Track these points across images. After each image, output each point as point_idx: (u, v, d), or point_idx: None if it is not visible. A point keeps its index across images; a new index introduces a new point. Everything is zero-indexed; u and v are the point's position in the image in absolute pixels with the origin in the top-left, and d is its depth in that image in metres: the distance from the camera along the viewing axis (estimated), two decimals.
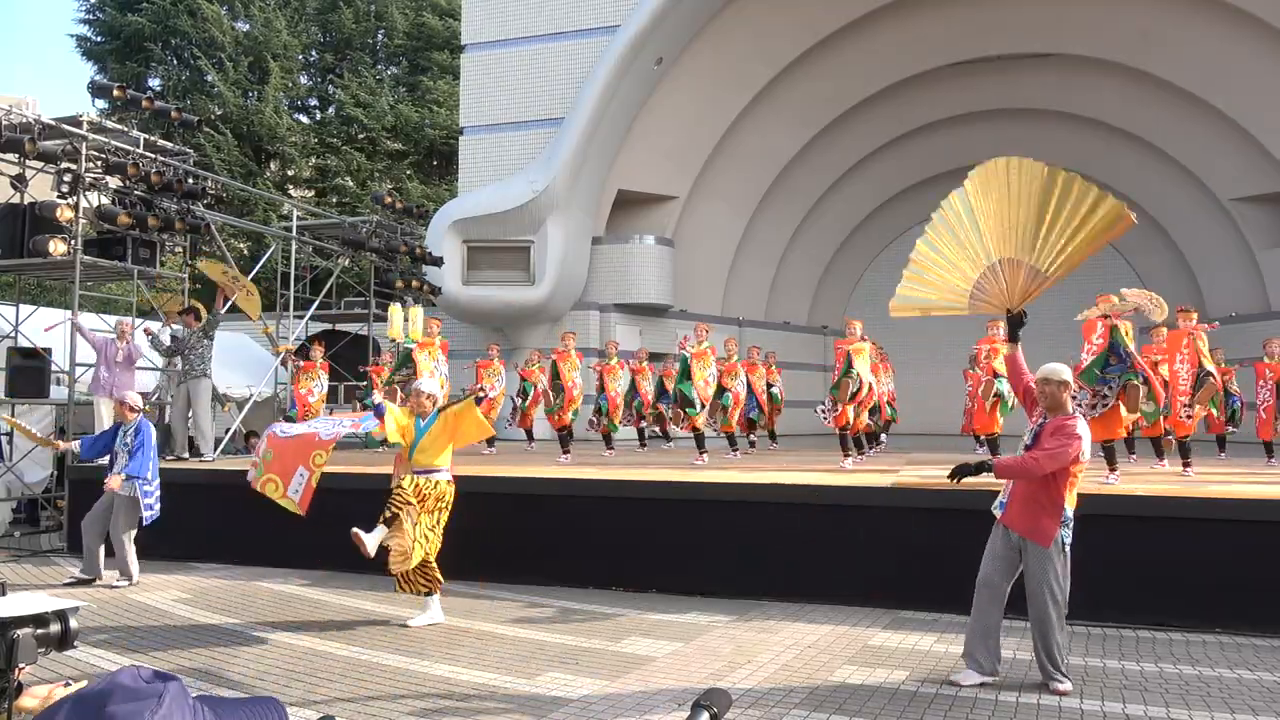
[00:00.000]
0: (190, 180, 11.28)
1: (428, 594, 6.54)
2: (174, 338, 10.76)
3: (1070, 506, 4.96)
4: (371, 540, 6.09)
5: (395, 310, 11.93)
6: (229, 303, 11.47)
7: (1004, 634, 5.25)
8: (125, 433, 8.01)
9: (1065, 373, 5.13)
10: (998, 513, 5.12)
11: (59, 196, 9.93)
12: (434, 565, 6.49)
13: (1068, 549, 4.96)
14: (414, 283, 15.09)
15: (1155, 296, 8.70)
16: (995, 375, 9.57)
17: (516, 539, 8.18)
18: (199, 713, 1.02)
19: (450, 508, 6.62)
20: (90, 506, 8.13)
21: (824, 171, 21.07)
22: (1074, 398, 6.17)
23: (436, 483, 6.50)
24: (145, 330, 11.05)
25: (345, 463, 10.37)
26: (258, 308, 12.10)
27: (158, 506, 8.02)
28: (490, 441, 13.25)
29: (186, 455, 10.34)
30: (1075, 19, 17.43)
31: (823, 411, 9.76)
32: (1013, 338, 5.40)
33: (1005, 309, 5.33)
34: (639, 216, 18.88)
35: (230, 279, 11.56)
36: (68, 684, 1.14)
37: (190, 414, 10.48)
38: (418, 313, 12.16)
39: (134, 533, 7.97)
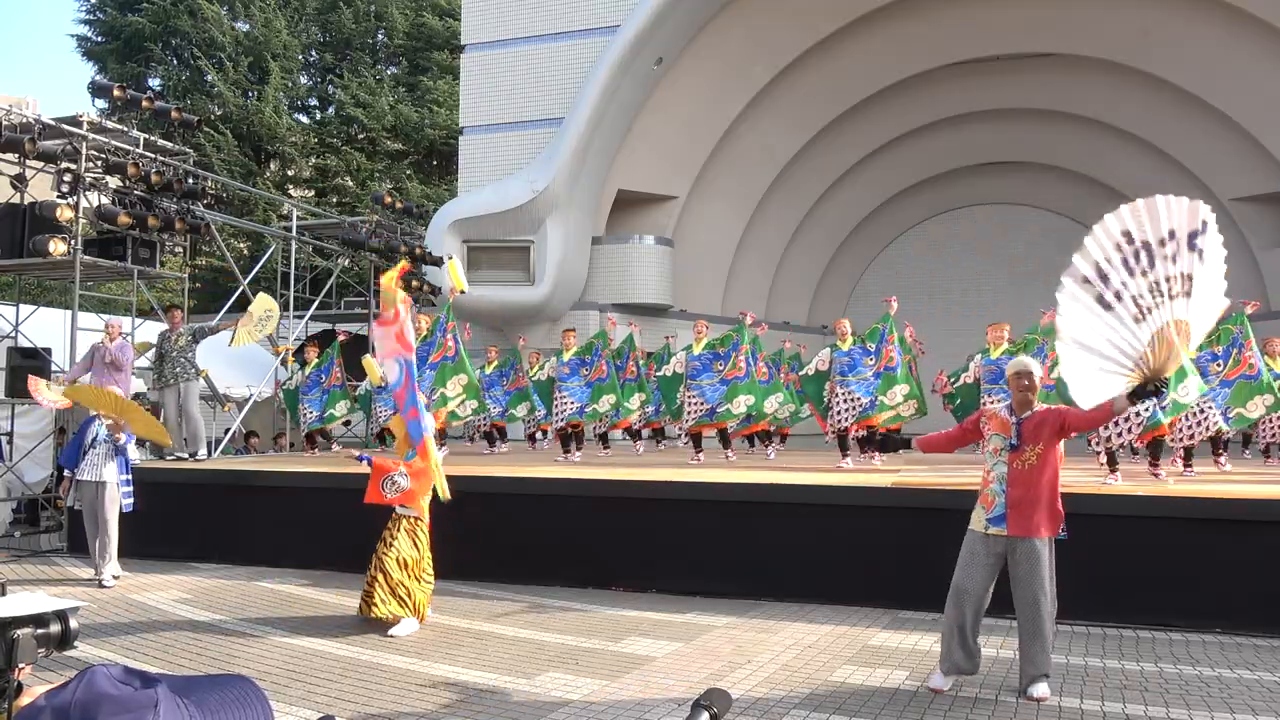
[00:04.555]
0: (190, 180, 11.27)
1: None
2: (161, 339, 10.69)
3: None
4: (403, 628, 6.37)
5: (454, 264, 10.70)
6: (233, 334, 11.22)
7: (1006, 635, 5.25)
8: (101, 427, 8.03)
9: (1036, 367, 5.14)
10: (994, 529, 4.90)
11: (59, 196, 9.92)
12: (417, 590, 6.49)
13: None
14: (414, 283, 15.08)
15: None
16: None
17: (516, 539, 8.18)
18: (184, 711, 0.99)
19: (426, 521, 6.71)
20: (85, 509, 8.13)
21: (824, 172, 21.07)
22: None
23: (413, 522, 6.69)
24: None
25: (343, 463, 10.37)
26: (264, 332, 11.43)
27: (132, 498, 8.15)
28: (492, 441, 13.29)
29: (184, 456, 10.33)
30: (1075, 19, 17.43)
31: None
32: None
33: (1148, 380, 4.46)
34: (639, 216, 18.88)
35: (258, 319, 10.94)
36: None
37: (181, 415, 10.46)
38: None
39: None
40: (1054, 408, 5.07)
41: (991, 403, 8.55)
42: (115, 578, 8.02)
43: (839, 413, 9.62)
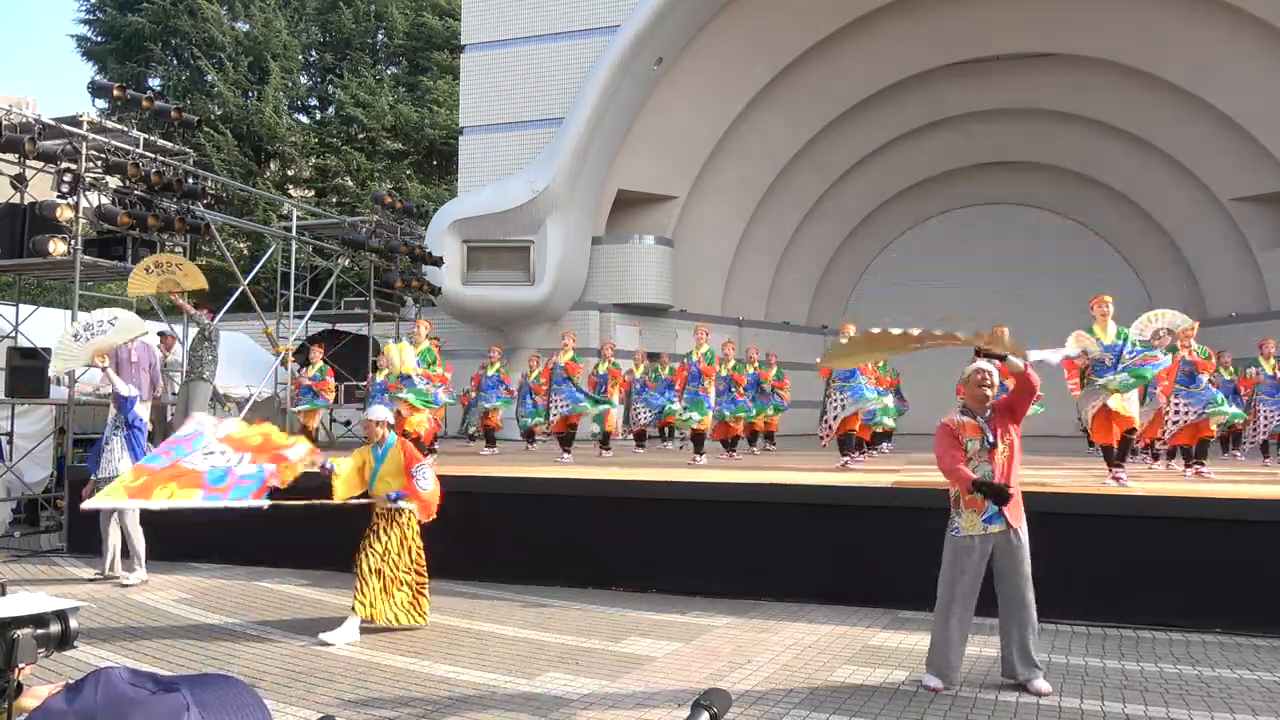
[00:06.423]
0: (190, 180, 11.27)
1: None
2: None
3: None
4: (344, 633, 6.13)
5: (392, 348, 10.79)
6: (214, 316, 11.10)
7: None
8: (116, 428, 8.06)
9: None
10: (993, 526, 4.95)
11: (59, 196, 9.92)
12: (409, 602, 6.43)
13: None
14: (414, 283, 15.08)
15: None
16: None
17: (516, 539, 8.18)
18: (200, 714, 1.00)
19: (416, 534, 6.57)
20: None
21: (824, 171, 21.08)
22: None
23: (409, 518, 6.48)
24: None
25: None
26: (199, 275, 10.66)
27: None
28: (490, 441, 13.30)
29: None
30: (1075, 19, 17.45)
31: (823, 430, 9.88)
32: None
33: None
34: (639, 216, 18.88)
35: (160, 271, 10.31)
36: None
37: (185, 417, 10.45)
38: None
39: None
40: (1000, 397, 5.16)
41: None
42: (144, 581, 7.92)
43: (833, 413, 9.72)
